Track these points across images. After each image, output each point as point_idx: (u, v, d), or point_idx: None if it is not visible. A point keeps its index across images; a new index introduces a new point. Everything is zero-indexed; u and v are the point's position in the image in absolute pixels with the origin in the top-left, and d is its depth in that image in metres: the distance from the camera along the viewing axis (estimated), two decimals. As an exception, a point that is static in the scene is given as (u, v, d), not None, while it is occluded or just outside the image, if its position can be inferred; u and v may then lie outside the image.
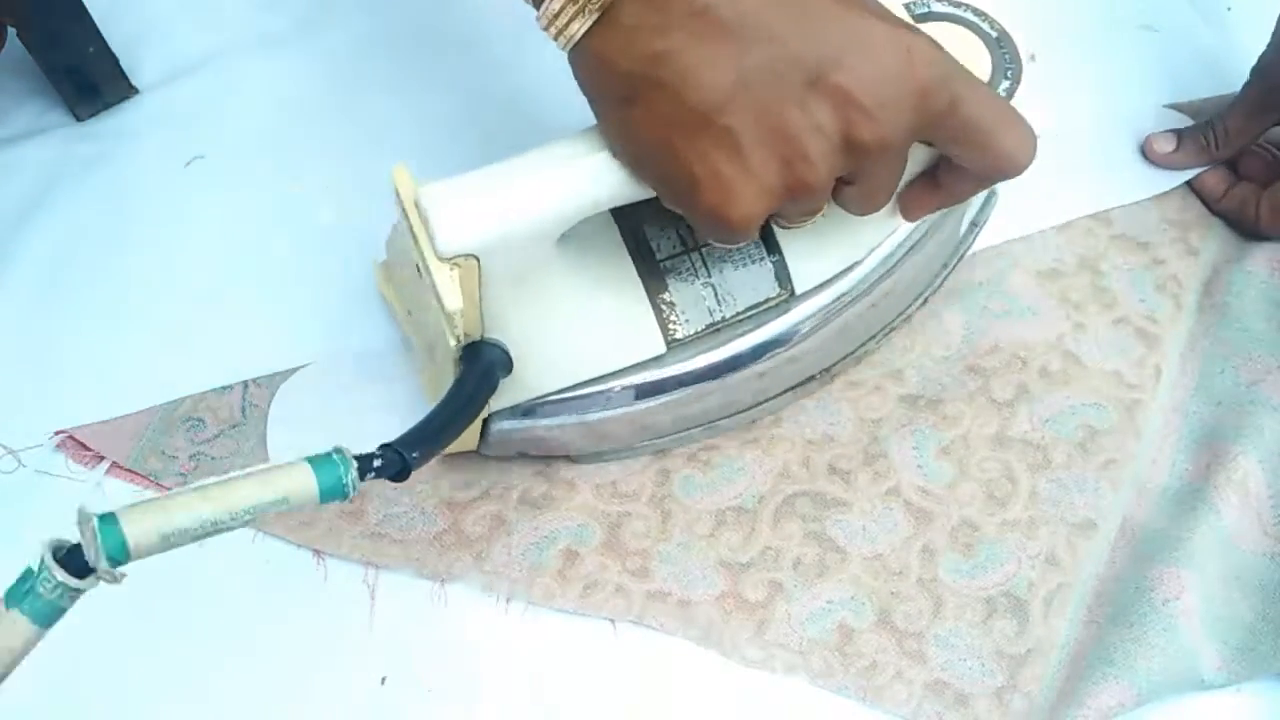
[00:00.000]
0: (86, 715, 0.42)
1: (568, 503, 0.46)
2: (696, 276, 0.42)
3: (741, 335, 0.42)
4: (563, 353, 0.41)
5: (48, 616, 0.29)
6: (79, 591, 0.28)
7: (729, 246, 0.39)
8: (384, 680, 0.43)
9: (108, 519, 0.28)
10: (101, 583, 0.29)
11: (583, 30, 0.33)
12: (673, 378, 0.42)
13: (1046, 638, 0.43)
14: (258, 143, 0.55)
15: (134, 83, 0.57)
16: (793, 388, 0.46)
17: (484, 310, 0.38)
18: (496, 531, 0.45)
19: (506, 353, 0.39)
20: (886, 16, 0.34)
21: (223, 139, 0.56)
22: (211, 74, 0.58)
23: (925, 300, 0.49)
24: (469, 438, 0.42)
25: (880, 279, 0.44)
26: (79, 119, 0.56)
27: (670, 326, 0.42)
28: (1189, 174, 0.53)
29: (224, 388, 0.48)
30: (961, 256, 0.49)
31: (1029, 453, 0.47)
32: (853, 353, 0.47)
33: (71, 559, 0.28)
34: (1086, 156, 0.54)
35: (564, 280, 0.40)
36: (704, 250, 0.42)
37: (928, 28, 0.36)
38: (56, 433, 0.47)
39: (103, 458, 0.47)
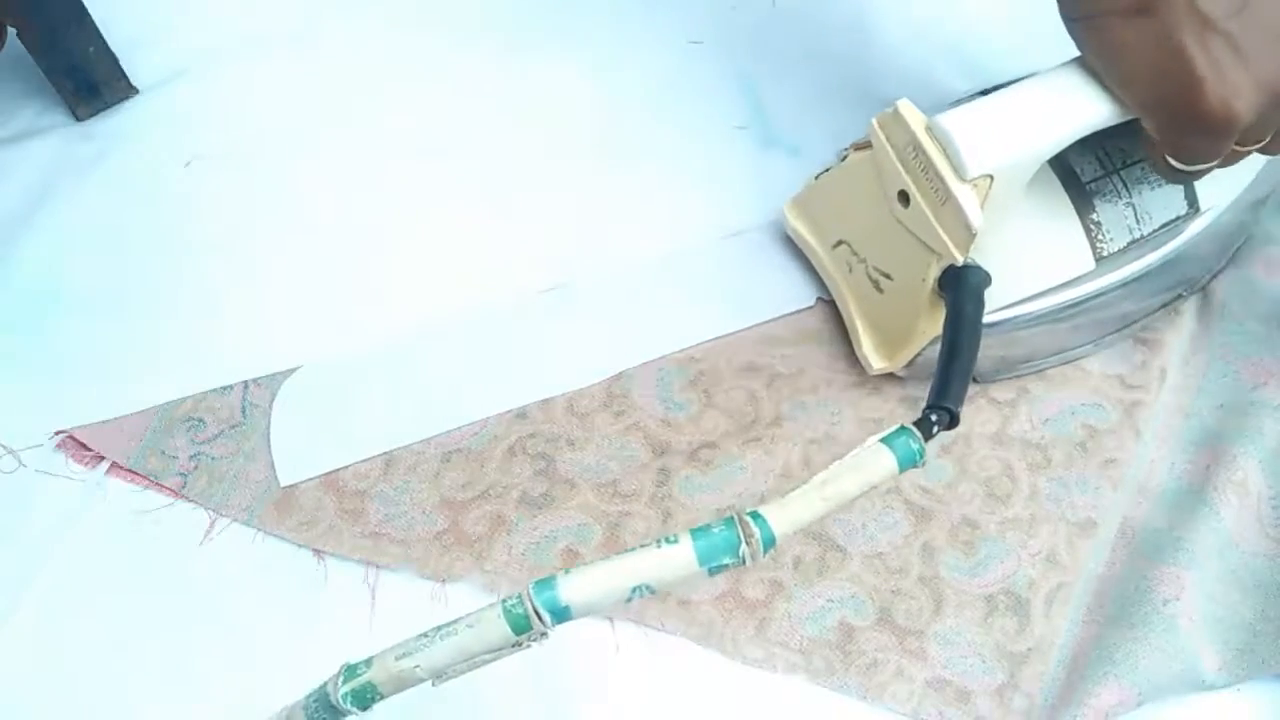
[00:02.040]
0: (86, 715, 0.42)
1: (568, 502, 0.46)
2: (1119, 197, 0.45)
3: (1154, 250, 0.46)
4: (1014, 271, 0.44)
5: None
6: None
7: (1198, 166, 0.40)
8: (384, 680, 0.43)
9: (759, 519, 0.32)
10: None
11: None
12: (1100, 291, 0.45)
13: (1047, 636, 0.43)
14: (257, 143, 0.56)
15: (134, 83, 0.57)
16: (1165, 305, 0.49)
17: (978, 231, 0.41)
18: (497, 531, 0.45)
19: (986, 271, 0.42)
20: None
21: (222, 139, 0.56)
22: (211, 74, 0.58)
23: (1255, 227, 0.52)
24: (909, 352, 0.46)
25: (1241, 198, 0.47)
26: (79, 119, 0.56)
27: (1098, 245, 0.45)
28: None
29: (224, 388, 0.48)
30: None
31: (1029, 452, 0.47)
32: (1207, 275, 0.51)
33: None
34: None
35: (1017, 208, 0.43)
36: (1123, 173, 0.45)
37: None
38: (56, 432, 0.47)
39: (103, 457, 0.47)
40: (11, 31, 0.52)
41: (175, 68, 0.58)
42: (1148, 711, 0.42)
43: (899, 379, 0.49)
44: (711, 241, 0.53)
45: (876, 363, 0.48)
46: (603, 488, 0.46)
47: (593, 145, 0.56)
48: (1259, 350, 0.49)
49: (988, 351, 0.44)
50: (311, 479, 0.46)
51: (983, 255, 0.42)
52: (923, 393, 0.39)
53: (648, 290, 0.51)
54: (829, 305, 0.51)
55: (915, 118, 0.41)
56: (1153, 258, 0.46)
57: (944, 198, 0.40)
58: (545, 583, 0.30)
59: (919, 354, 0.46)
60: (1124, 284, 0.46)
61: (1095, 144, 0.44)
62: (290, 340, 0.50)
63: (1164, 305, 0.49)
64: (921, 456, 0.35)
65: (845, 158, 0.47)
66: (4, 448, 0.47)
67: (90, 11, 0.54)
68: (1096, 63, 0.40)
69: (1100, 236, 0.45)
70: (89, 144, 0.56)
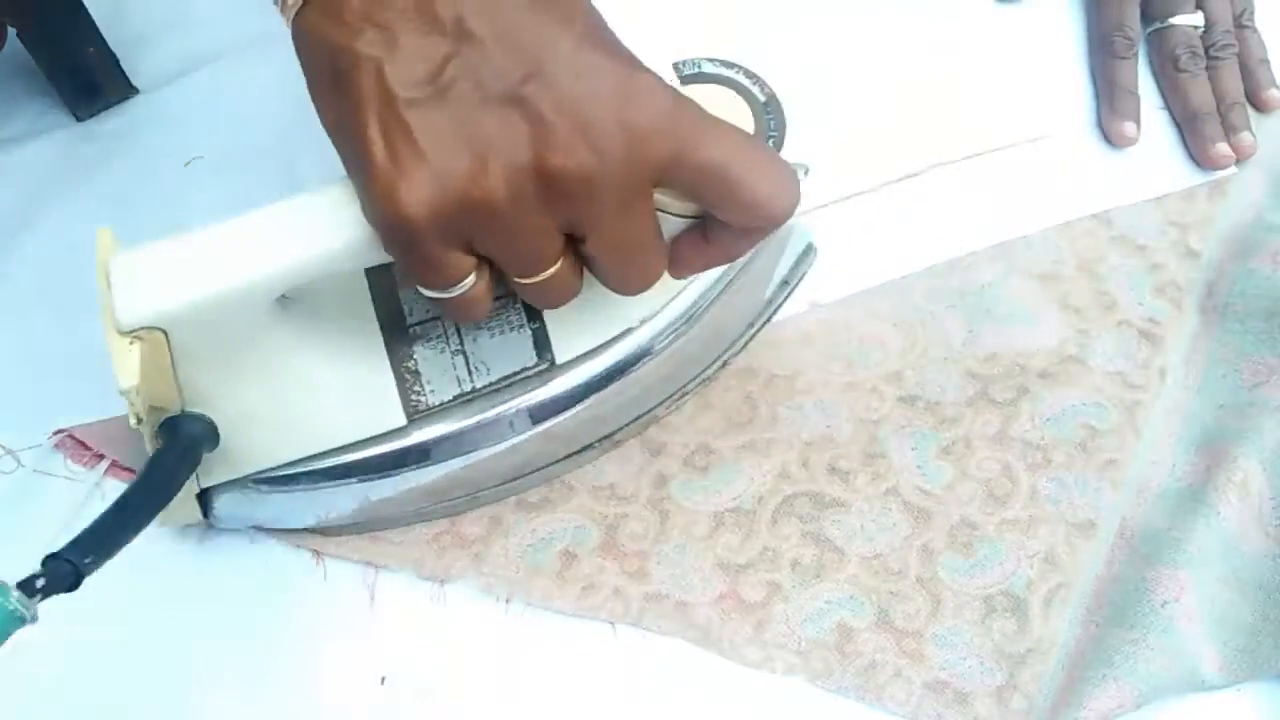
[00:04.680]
0: (86, 714, 0.42)
1: (565, 504, 0.46)
2: (447, 344, 0.39)
3: (494, 407, 0.40)
4: (287, 424, 0.39)
5: None
6: None
7: (428, 290, 0.33)
8: (383, 680, 0.43)
9: None
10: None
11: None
12: (414, 450, 0.40)
13: (1046, 637, 0.43)
14: (257, 143, 0.55)
15: (134, 83, 0.57)
16: (570, 455, 0.44)
17: (181, 382, 0.35)
18: (494, 533, 0.45)
19: (210, 425, 0.37)
20: (618, 53, 0.32)
21: (222, 139, 0.56)
22: (212, 74, 0.58)
23: (725, 364, 0.46)
24: (189, 511, 0.40)
25: (663, 346, 0.41)
26: (79, 119, 0.56)
27: (413, 397, 0.39)
28: (1189, 175, 0.54)
29: (223, 388, 0.48)
30: (769, 318, 0.46)
31: (1029, 452, 0.47)
32: (640, 417, 0.45)
33: None
34: (1087, 157, 0.54)
35: (288, 346, 0.37)
36: None
37: (693, 89, 0.35)
38: (55, 432, 0.47)
39: (102, 457, 0.47)
40: (11, 31, 0.52)
41: (175, 68, 0.58)
42: (1147, 712, 0.42)
43: (899, 380, 0.48)
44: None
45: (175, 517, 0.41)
46: (599, 490, 0.46)
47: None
48: (1260, 348, 0.49)
49: (290, 504, 0.40)
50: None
51: (239, 404, 0.37)
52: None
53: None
54: (826, 309, 0.50)
55: (103, 251, 0.34)
56: (495, 413, 0.40)
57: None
58: None
59: (211, 505, 0.41)
60: (458, 443, 0.40)
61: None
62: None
63: (570, 455, 0.44)
64: (30, 616, 0.29)
65: None
66: (3, 448, 0.47)
67: (91, 12, 0.54)
68: None
69: (418, 388, 0.39)
70: (89, 144, 0.56)
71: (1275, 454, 0.46)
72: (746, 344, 0.46)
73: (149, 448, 0.37)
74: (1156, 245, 0.52)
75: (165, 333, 0.33)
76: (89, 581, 0.45)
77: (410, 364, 0.39)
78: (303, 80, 0.57)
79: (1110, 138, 0.55)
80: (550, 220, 0.32)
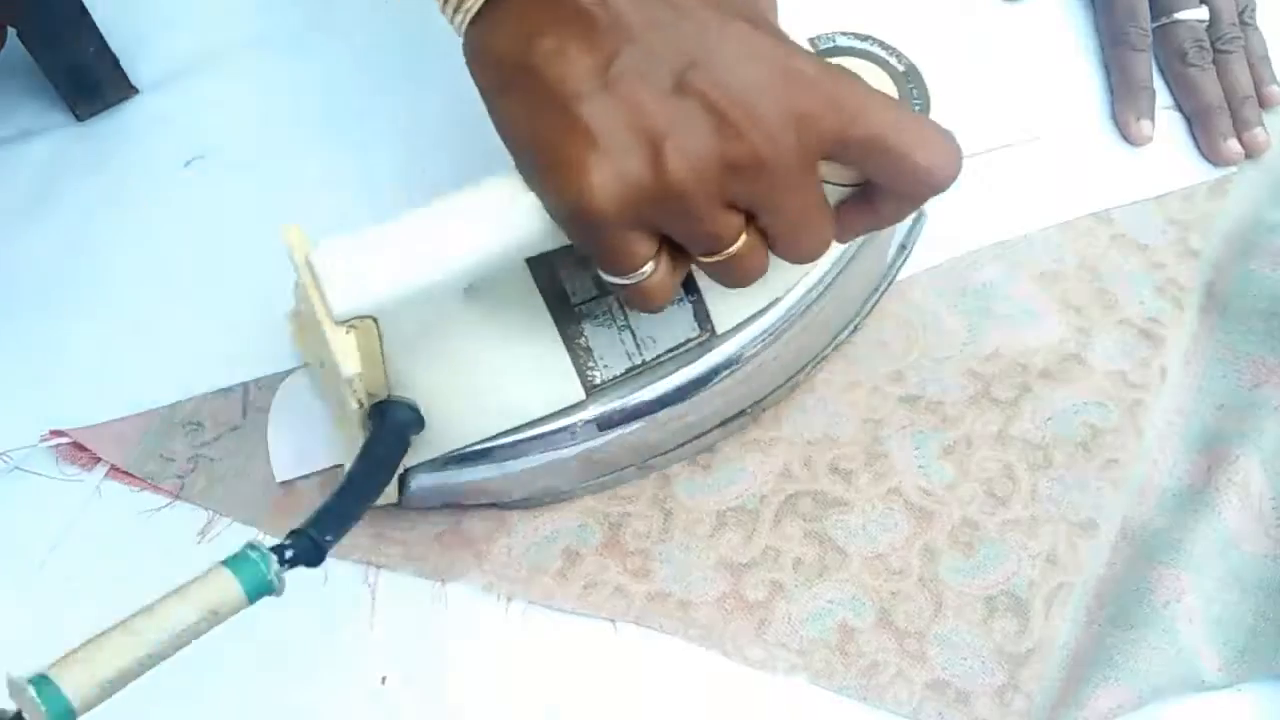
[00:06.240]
0: (86, 714, 0.42)
1: (568, 503, 0.46)
2: (614, 320, 0.41)
3: (663, 378, 0.42)
4: (477, 404, 0.40)
5: None
6: None
7: (615, 277, 0.35)
8: (384, 680, 0.43)
9: (43, 683, 0.27)
10: None
11: (475, 9, 0.33)
12: (593, 423, 0.41)
13: (1047, 637, 0.43)
14: (257, 143, 0.55)
15: (134, 83, 0.57)
16: (721, 424, 0.46)
17: (388, 369, 0.37)
18: (497, 531, 0.45)
19: (416, 410, 0.38)
20: (773, 33, 0.33)
21: (223, 139, 0.56)
22: (212, 74, 0.58)
23: (856, 328, 0.48)
24: (388, 493, 0.41)
25: (803, 313, 0.43)
26: (79, 119, 0.56)
27: (589, 372, 0.41)
28: (1190, 174, 0.53)
29: (224, 390, 0.48)
30: (891, 281, 0.48)
31: (1030, 452, 0.47)
32: (782, 385, 0.46)
33: None
34: (1087, 156, 0.54)
35: (474, 331, 0.39)
36: None
37: (832, 62, 0.35)
38: (53, 433, 0.47)
39: (100, 459, 0.47)
40: (12, 31, 0.52)
41: (176, 68, 0.58)
42: (1148, 712, 0.42)
43: (901, 380, 0.48)
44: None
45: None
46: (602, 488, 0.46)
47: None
48: (1260, 348, 0.49)
49: (495, 480, 0.42)
50: (308, 476, 0.46)
51: (434, 387, 0.38)
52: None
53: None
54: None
55: (299, 246, 0.35)
56: (665, 385, 0.42)
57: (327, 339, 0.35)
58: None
59: (406, 486, 0.43)
60: (632, 413, 0.42)
61: (590, 261, 0.39)
62: (293, 341, 0.50)
63: (722, 424, 0.46)
64: (280, 585, 0.31)
65: None
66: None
67: (91, 11, 0.54)
68: None
69: (591, 364, 0.41)
70: (89, 144, 0.56)
71: (1276, 454, 0.46)
72: (872, 308, 0.48)
73: (359, 433, 0.38)
74: (1157, 244, 0.52)
75: (376, 320, 0.34)
76: (87, 579, 0.45)
77: (581, 341, 0.41)
78: (303, 80, 0.57)
79: (1128, 136, 0.54)
80: (727, 200, 0.33)
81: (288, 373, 0.49)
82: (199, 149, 0.55)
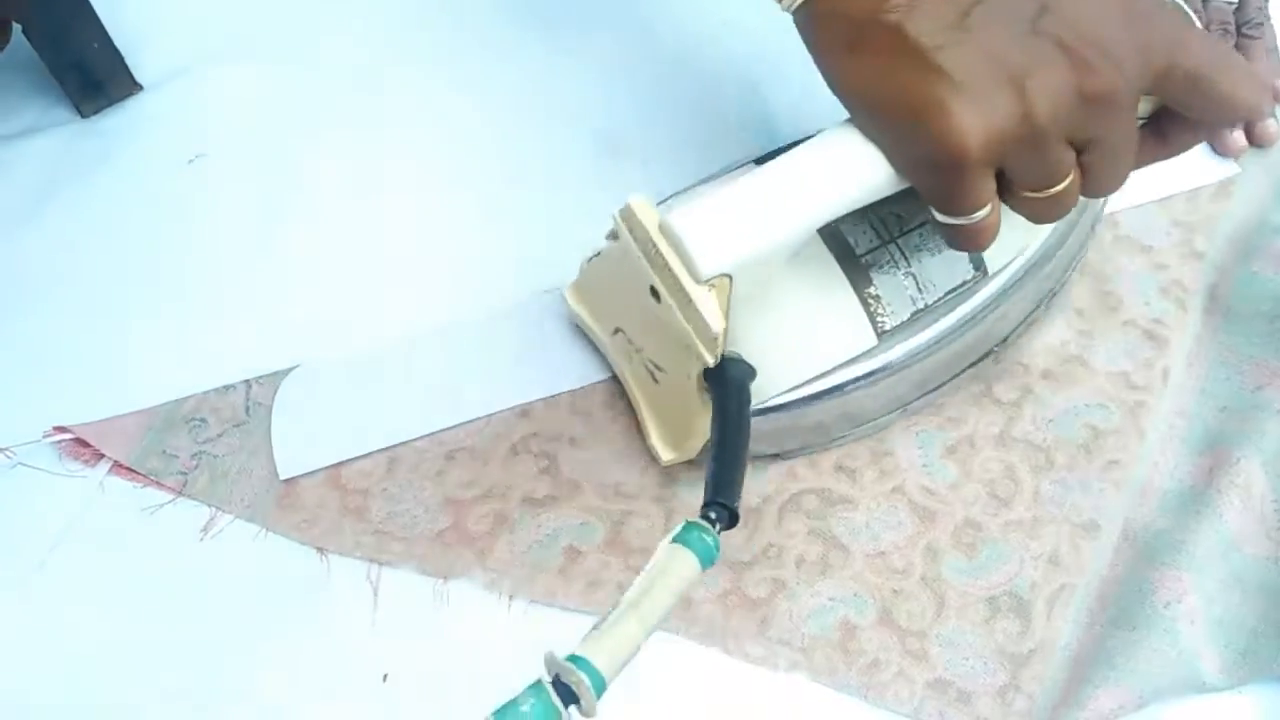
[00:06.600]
0: (87, 713, 0.42)
1: (570, 501, 0.46)
2: (898, 267, 0.43)
3: (941, 318, 0.44)
4: (786, 356, 0.43)
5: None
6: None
7: (957, 219, 0.36)
8: (386, 677, 0.43)
9: (579, 660, 0.31)
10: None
11: None
12: (884, 367, 0.44)
13: (1049, 638, 0.43)
14: (260, 140, 0.56)
15: (138, 79, 0.57)
16: (970, 365, 0.47)
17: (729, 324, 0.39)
18: (499, 529, 0.45)
19: (747, 363, 0.40)
20: None
21: (226, 136, 0.56)
22: (215, 71, 0.58)
23: (1071, 272, 0.50)
24: (695, 443, 0.43)
25: (1046, 258, 0.45)
26: (83, 115, 0.57)
27: (879, 319, 0.43)
28: (1194, 176, 0.53)
29: (226, 387, 0.48)
30: (1093, 232, 0.50)
31: (1032, 453, 0.47)
32: (1016, 329, 0.48)
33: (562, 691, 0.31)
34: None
35: (784, 285, 0.41)
36: (900, 241, 0.43)
37: None
38: (56, 429, 0.47)
39: (103, 456, 0.47)
40: (16, 28, 0.53)
41: (179, 65, 0.58)
42: (1149, 713, 0.42)
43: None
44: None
45: (665, 454, 0.45)
46: (605, 487, 0.46)
47: (586, 144, 0.56)
48: (1262, 350, 0.49)
49: (779, 431, 0.44)
50: (312, 473, 0.46)
51: (751, 341, 0.40)
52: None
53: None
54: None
55: (649, 216, 0.38)
56: (943, 325, 0.44)
57: (685, 299, 0.37)
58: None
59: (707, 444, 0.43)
60: (915, 355, 0.44)
61: (869, 213, 0.42)
62: (295, 338, 0.50)
63: (972, 365, 0.47)
64: (717, 550, 0.34)
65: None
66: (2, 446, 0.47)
67: (95, 8, 0.54)
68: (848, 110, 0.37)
69: (880, 311, 0.43)
70: (93, 141, 0.56)
71: (1277, 457, 0.46)
72: (1078, 266, 0.50)
73: (694, 392, 0.41)
74: (1161, 246, 0.52)
75: (730, 278, 0.37)
76: (89, 575, 0.45)
77: (870, 289, 0.43)
78: (306, 78, 0.57)
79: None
80: (1072, 135, 0.35)
81: (290, 369, 0.49)
82: (202, 146, 0.55)
